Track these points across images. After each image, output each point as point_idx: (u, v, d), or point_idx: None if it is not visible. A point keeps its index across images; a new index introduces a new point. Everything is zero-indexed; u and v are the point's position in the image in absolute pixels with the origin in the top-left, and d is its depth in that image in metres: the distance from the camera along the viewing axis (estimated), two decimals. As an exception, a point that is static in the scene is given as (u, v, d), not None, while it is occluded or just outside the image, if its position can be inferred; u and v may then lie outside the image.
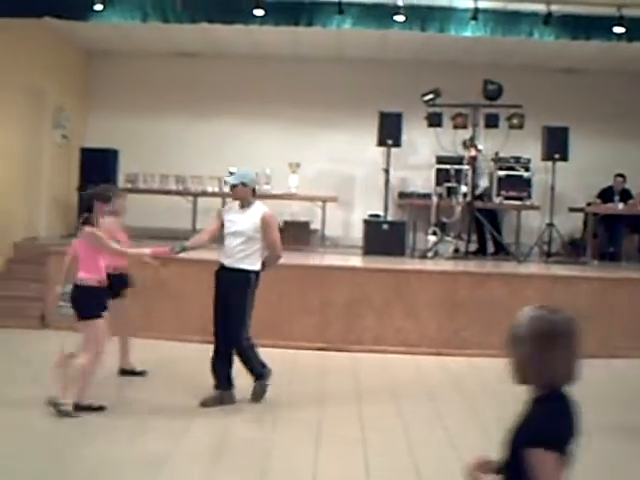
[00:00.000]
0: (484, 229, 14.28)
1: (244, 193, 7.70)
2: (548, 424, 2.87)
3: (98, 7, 11.43)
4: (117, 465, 5.90)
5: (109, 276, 7.41)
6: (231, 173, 13.58)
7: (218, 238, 7.79)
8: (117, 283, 8.04)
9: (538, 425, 2.88)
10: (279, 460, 6.23)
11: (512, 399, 7.10)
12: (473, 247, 14.17)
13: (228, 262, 7.56)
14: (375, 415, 7.68)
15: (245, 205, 7.70)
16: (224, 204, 13.97)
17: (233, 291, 7.50)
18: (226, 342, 7.58)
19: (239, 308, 7.51)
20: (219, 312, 7.54)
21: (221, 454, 6.40)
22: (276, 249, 7.77)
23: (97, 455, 6.08)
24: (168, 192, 13.93)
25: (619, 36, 11.76)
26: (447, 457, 6.47)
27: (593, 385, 7.78)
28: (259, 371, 7.80)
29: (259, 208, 7.74)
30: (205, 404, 7.48)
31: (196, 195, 13.87)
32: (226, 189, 13.68)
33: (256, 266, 7.63)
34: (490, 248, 14.53)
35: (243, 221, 7.60)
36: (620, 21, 11.53)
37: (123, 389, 8.23)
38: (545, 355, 2.88)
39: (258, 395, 7.79)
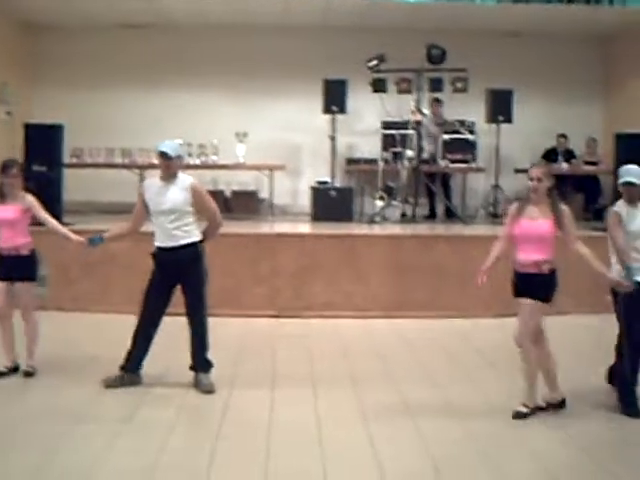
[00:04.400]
0: (434, 194, 14.50)
1: (179, 166, 7.35)
2: None
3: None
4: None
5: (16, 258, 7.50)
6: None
7: (143, 221, 7.45)
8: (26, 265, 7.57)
9: None
10: (233, 422, 6.35)
11: (460, 356, 7.24)
12: (424, 211, 14.37)
13: (169, 243, 7.19)
14: (327, 377, 7.83)
15: (170, 178, 7.27)
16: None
17: (191, 268, 7.31)
18: (199, 321, 7.38)
19: (204, 286, 7.36)
20: (183, 294, 7.32)
21: (179, 422, 6.50)
22: (217, 217, 7.50)
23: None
24: (114, 165, 13.86)
25: (559, -1, 11.93)
26: (400, 417, 6.64)
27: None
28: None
29: (186, 178, 7.35)
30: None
31: (143, 167, 13.79)
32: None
33: (199, 237, 7.34)
34: (440, 212, 14.75)
35: (173, 194, 7.22)
36: (559, -17, 11.69)
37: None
38: None
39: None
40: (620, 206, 6.87)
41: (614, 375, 7.10)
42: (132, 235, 7.60)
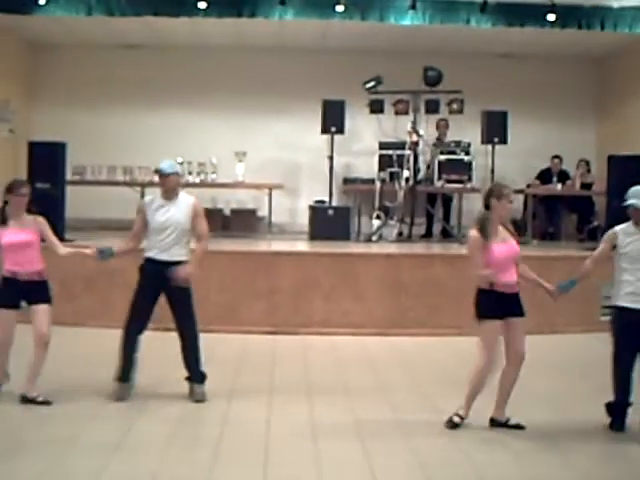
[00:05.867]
0: (433, 214, 14.73)
1: (176, 182, 7.56)
2: None
3: (42, 1, 11.57)
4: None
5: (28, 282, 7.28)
6: (179, 163, 13.81)
7: (143, 238, 7.64)
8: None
9: None
10: (232, 434, 6.51)
11: (454, 373, 7.42)
12: (420, 231, 14.59)
13: (165, 256, 7.40)
14: (323, 392, 7.99)
15: (173, 196, 7.52)
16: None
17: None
18: (192, 334, 7.58)
19: (192, 299, 7.57)
20: (171, 308, 7.51)
21: (178, 434, 6.66)
22: (206, 238, 7.67)
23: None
24: (116, 183, 14.07)
25: (552, 23, 12.19)
26: (393, 433, 6.80)
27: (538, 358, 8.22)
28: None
29: (186, 198, 7.59)
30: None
31: (143, 185, 13.98)
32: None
33: (188, 256, 7.58)
34: (437, 231, 14.97)
35: (175, 212, 7.45)
36: (552, 8, 11.95)
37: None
38: None
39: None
40: (623, 227, 6.88)
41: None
42: (134, 252, 7.76)
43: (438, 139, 14.93)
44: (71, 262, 8.74)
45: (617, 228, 6.92)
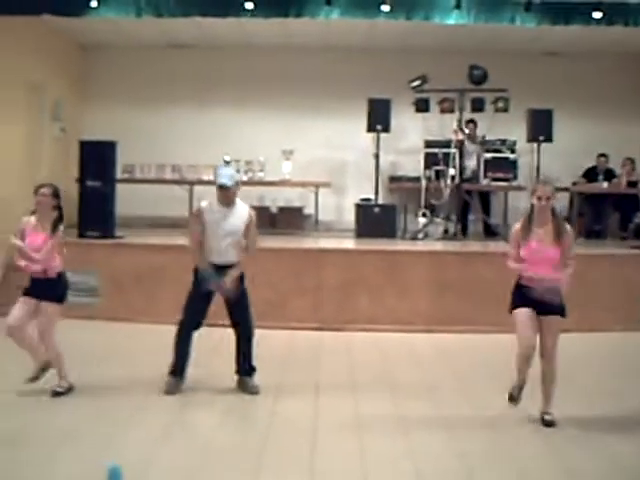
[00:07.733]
0: (468, 211, 14.76)
1: (235, 193, 7.72)
2: None
3: (93, 3, 11.81)
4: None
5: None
6: (227, 162, 14.01)
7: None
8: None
9: None
10: (279, 426, 6.67)
11: (498, 370, 7.50)
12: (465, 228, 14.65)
13: (221, 260, 7.63)
14: (368, 388, 8.12)
15: (230, 204, 7.69)
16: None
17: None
18: (248, 332, 7.83)
19: (247, 297, 7.81)
20: (227, 305, 7.74)
21: (227, 424, 6.82)
22: (256, 245, 7.86)
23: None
24: (164, 181, 14.31)
25: (598, 20, 12.16)
26: (437, 429, 6.91)
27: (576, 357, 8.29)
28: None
29: (243, 206, 7.78)
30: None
31: (192, 183, 14.22)
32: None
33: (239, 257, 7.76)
34: (474, 229, 14.99)
35: (232, 220, 7.65)
36: (598, 6, 11.94)
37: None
38: None
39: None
40: None
41: None
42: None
43: (469, 139, 14.80)
44: (120, 258, 8.93)
45: None
